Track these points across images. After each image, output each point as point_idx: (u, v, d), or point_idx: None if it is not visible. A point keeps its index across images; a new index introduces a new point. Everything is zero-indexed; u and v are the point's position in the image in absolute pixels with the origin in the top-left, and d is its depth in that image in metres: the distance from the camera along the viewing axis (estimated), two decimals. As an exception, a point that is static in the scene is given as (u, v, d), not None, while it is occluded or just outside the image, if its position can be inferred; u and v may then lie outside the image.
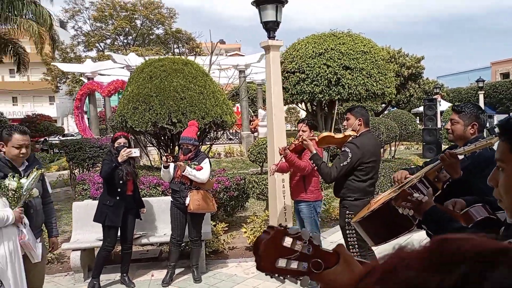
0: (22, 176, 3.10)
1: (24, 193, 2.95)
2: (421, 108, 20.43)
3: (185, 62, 6.81)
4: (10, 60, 20.67)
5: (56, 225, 3.53)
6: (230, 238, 5.68)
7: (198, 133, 5.37)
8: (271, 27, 4.92)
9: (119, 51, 31.41)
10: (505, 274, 0.41)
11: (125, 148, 4.24)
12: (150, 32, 39.70)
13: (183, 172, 4.37)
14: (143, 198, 5.32)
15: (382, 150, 9.18)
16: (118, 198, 4.30)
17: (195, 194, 4.43)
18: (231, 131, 15.19)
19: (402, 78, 20.97)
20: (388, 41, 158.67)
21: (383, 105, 21.81)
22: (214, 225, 5.63)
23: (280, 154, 4.07)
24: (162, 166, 4.54)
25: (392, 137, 9.00)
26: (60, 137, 21.50)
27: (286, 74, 10.18)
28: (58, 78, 35.66)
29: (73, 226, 5.03)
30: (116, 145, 4.48)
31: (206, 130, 6.54)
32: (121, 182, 4.30)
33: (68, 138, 18.89)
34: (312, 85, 9.91)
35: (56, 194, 9.77)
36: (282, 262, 0.76)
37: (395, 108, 19.81)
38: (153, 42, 37.26)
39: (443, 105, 22.11)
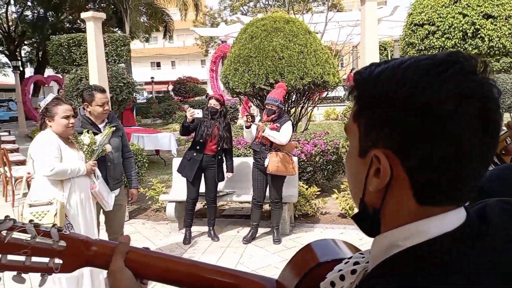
0: (101, 132, 3.48)
1: (97, 148, 3.30)
2: None
3: (287, 20, 6.59)
4: (161, 27, 23.01)
5: (136, 178, 3.89)
6: (321, 203, 5.51)
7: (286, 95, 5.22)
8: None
9: (260, 13, 32.19)
10: None
11: (190, 108, 4.39)
12: (291, -9, 39.51)
13: (263, 132, 4.34)
14: (239, 158, 5.53)
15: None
16: (195, 154, 4.52)
17: (274, 155, 4.37)
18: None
19: None
20: None
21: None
22: (306, 188, 5.53)
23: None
24: (244, 126, 4.58)
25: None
26: (204, 97, 23.45)
27: (413, 27, 9.07)
28: (207, 43, 38.54)
29: (173, 180, 5.50)
30: (208, 105, 4.67)
31: (306, 91, 6.31)
32: (201, 140, 4.49)
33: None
34: (443, 39, 8.63)
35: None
36: (4, 258, 0.67)
37: None
38: (295, 2, 37.12)
39: None
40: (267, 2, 40.20)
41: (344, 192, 5.48)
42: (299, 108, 7.00)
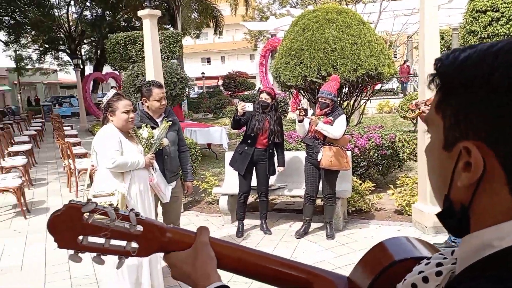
0: (159, 126, 3.58)
1: (155, 142, 3.41)
2: None
3: (339, 10, 6.44)
4: (212, 23, 23.33)
5: (191, 171, 3.97)
6: (376, 199, 5.36)
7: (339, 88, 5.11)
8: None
9: (310, 5, 31.76)
10: None
11: (241, 102, 4.40)
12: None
13: (316, 126, 4.28)
14: (290, 152, 5.50)
15: None
16: (246, 148, 4.54)
17: (328, 150, 4.30)
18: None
19: None
20: None
21: None
22: (360, 184, 5.40)
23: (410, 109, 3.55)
24: (296, 120, 4.53)
25: None
26: (253, 91, 23.58)
27: (475, 14, 8.54)
28: (256, 37, 38.62)
29: (225, 173, 5.57)
30: (259, 99, 4.68)
31: (359, 83, 6.15)
32: (252, 134, 4.50)
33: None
34: (509, 25, 8.06)
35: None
36: (85, 240, 0.69)
37: None
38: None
39: None
40: (317, -6, 39.67)
41: (400, 188, 5.30)
42: (352, 101, 6.83)
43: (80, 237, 0.69)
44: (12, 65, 27.63)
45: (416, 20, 11.81)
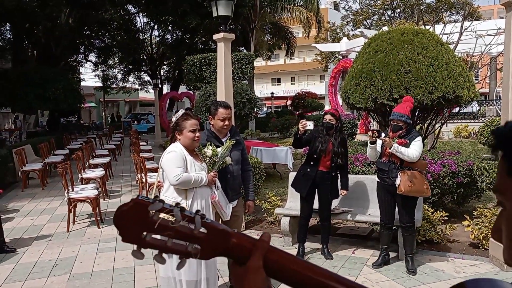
0: (223, 145, 3.65)
1: (218, 160, 3.47)
2: None
3: (416, 32, 6.20)
4: (283, 44, 23.69)
5: (252, 191, 3.98)
6: (449, 230, 4.98)
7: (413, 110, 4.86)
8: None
9: (385, 26, 31.09)
10: None
11: (302, 120, 4.33)
12: (420, 1, 37.39)
13: (390, 149, 4.08)
14: (356, 175, 5.33)
15: None
16: (308, 170, 4.45)
17: (406, 174, 4.06)
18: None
19: None
20: None
21: None
22: (432, 213, 5.06)
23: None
24: (368, 142, 4.37)
25: None
26: (321, 112, 23.44)
27: None
28: (327, 58, 38.52)
29: (288, 193, 5.52)
30: (323, 120, 4.62)
31: (434, 106, 5.82)
32: (315, 156, 4.42)
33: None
34: None
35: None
36: (149, 236, 0.70)
37: None
38: (423, 12, 35.03)
39: None
40: (393, 15, 38.68)
41: (477, 219, 4.88)
42: (425, 125, 6.49)
43: (144, 233, 0.70)
44: (99, 84, 30.10)
45: (501, 40, 11.04)
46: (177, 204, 0.73)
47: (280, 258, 0.73)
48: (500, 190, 0.53)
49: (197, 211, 0.74)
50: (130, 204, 0.69)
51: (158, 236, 0.70)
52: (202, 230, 0.71)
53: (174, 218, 0.70)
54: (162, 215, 0.70)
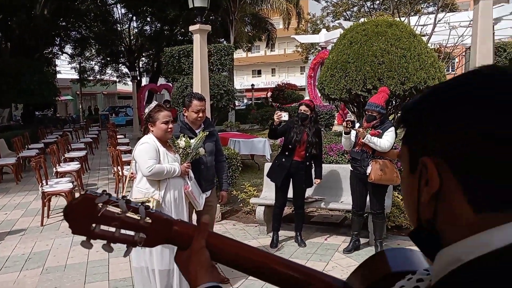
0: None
1: (191, 151, 3.48)
2: None
3: (390, 23, 6.30)
4: (264, 36, 23.63)
5: (226, 181, 4.01)
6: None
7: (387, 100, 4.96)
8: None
9: (363, 18, 31.29)
10: None
11: (277, 111, 4.40)
12: (398, -7, 37.73)
13: (363, 139, 4.17)
14: (330, 165, 5.41)
15: None
16: (283, 160, 4.52)
17: (377, 163, 4.18)
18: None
19: None
20: None
21: None
22: (402, 199, 5.19)
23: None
24: (343, 132, 4.46)
25: None
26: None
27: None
28: (307, 50, 38.60)
29: (264, 184, 5.57)
30: (298, 110, 4.68)
31: (406, 96, 5.94)
32: (290, 146, 4.48)
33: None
34: None
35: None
36: (98, 228, 0.74)
37: None
38: (402, 4, 35.38)
39: None
40: (372, 6, 38.92)
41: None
42: (398, 115, 6.62)
43: (93, 225, 0.73)
44: (76, 76, 29.49)
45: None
46: (124, 197, 0.78)
47: (219, 242, 0.78)
48: (399, 156, 0.60)
49: (142, 202, 0.79)
50: (79, 198, 0.74)
51: (111, 229, 0.75)
52: (147, 220, 0.75)
53: (120, 210, 0.74)
54: (109, 207, 0.74)
